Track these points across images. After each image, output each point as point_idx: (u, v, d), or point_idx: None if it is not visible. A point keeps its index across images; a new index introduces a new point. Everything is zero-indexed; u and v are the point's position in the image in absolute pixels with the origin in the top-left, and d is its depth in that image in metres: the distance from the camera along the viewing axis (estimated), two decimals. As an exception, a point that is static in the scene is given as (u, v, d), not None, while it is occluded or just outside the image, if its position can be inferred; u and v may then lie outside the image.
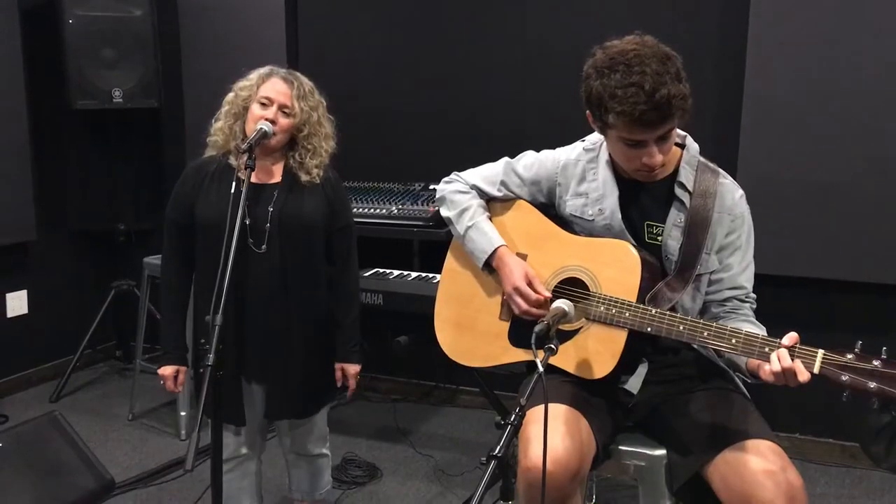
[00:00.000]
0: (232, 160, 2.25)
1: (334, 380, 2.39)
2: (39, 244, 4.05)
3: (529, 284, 1.93)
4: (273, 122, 2.20)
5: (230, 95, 2.30)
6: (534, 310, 1.92)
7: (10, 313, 4.02)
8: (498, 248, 2.02)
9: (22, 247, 3.99)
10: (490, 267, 2.05)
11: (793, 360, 1.55)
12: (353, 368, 2.38)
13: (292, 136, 2.28)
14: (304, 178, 2.27)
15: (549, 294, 1.92)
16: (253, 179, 2.24)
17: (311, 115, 2.27)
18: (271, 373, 2.29)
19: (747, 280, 1.92)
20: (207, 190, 2.24)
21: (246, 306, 2.23)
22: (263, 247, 2.22)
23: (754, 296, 1.94)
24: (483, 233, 2.06)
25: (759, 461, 1.66)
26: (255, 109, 2.21)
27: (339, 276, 2.36)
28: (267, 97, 2.21)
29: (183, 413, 3.50)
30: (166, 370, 2.31)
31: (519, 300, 1.93)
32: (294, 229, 2.23)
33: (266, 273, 2.23)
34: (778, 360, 1.56)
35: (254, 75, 2.28)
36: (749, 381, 1.77)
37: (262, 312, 2.24)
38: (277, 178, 2.28)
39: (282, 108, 2.22)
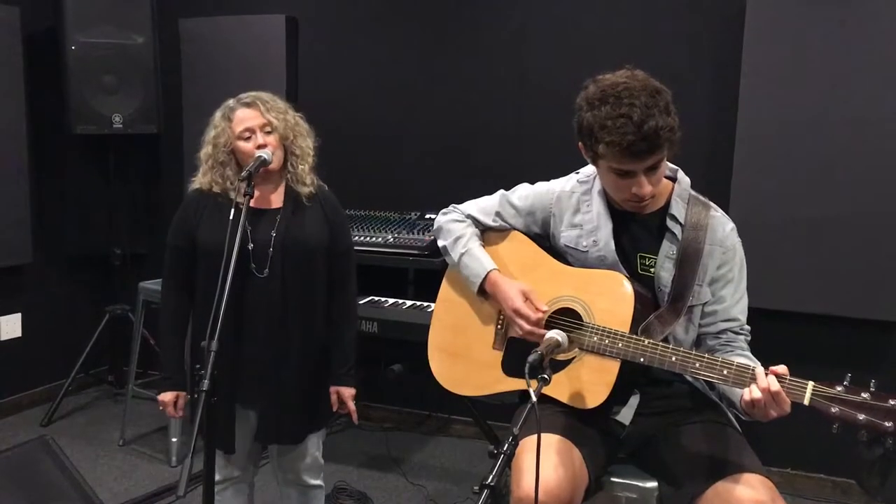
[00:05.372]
0: (232, 194, 2.24)
1: (328, 406, 2.37)
2: (35, 267, 4.05)
3: (527, 301, 1.94)
4: (264, 145, 2.22)
5: (208, 149, 2.28)
6: (538, 330, 1.91)
7: (4, 336, 4.01)
8: (490, 271, 2.04)
9: (17, 269, 3.99)
10: (485, 292, 2.06)
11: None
12: (348, 391, 2.36)
13: (284, 149, 2.29)
14: (303, 191, 2.29)
15: (548, 308, 1.93)
16: (255, 205, 2.26)
17: (287, 120, 2.28)
18: (266, 397, 2.28)
19: (741, 312, 1.93)
20: (210, 216, 2.25)
21: (245, 330, 2.24)
22: (266, 271, 2.23)
23: (748, 328, 1.95)
24: (476, 258, 2.07)
25: (749, 494, 1.66)
26: (243, 146, 2.23)
27: (337, 299, 2.36)
28: (245, 129, 2.23)
29: (174, 439, 3.48)
30: (166, 396, 2.30)
31: (521, 322, 1.93)
32: (297, 252, 2.25)
33: (266, 297, 2.23)
34: (767, 382, 1.57)
35: (217, 120, 2.28)
36: (743, 417, 1.77)
37: (261, 337, 2.24)
38: (279, 204, 2.30)
39: (262, 128, 2.23)
